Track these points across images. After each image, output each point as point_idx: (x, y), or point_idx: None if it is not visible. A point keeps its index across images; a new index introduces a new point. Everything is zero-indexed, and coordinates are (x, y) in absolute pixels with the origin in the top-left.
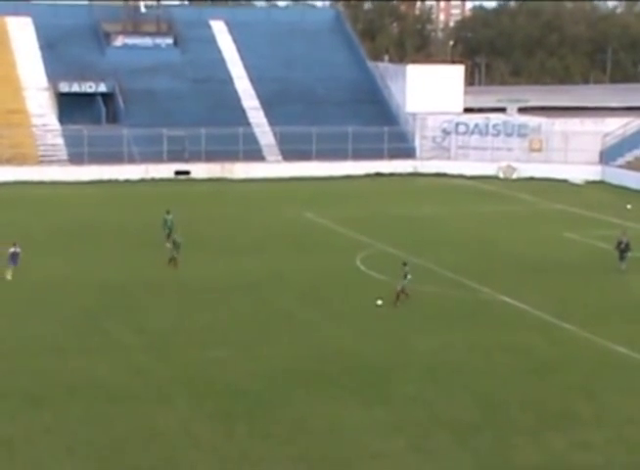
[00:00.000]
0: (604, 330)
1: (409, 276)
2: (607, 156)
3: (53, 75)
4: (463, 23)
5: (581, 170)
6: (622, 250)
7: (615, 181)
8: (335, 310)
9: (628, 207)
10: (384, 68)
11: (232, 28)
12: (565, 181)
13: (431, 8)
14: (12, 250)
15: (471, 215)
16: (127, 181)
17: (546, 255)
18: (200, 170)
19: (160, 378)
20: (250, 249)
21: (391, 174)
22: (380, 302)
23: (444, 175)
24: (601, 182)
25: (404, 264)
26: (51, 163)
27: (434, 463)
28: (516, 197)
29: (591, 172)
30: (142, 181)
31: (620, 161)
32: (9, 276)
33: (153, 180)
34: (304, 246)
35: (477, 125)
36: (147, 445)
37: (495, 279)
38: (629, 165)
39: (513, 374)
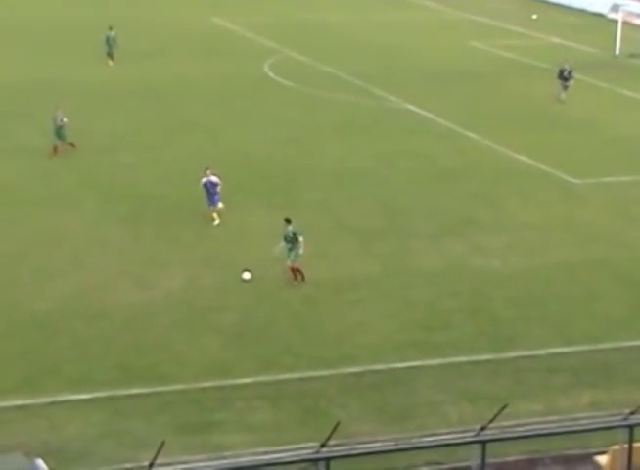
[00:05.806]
0: (506, 139)
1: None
2: None
3: None
4: None
5: None
6: (565, 78)
7: None
8: (242, 116)
9: (534, 17)
10: None
11: None
12: None
13: None
14: (204, 180)
15: (378, 23)
16: None
17: (452, 63)
18: None
19: (67, 182)
20: (154, 52)
21: None
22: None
23: None
24: None
25: (287, 222)
26: None
27: (339, 268)
28: (423, 4)
29: None
30: None
31: None
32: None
33: None
34: (211, 51)
35: None
36: (53, 248)
37: (402, 87)
38: None
39: (417, 181)
